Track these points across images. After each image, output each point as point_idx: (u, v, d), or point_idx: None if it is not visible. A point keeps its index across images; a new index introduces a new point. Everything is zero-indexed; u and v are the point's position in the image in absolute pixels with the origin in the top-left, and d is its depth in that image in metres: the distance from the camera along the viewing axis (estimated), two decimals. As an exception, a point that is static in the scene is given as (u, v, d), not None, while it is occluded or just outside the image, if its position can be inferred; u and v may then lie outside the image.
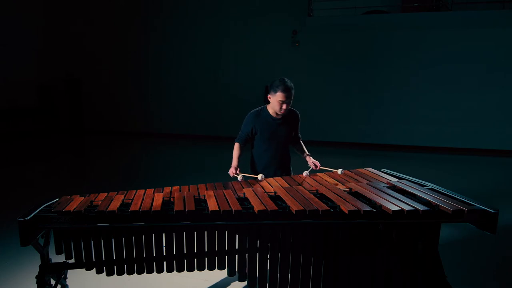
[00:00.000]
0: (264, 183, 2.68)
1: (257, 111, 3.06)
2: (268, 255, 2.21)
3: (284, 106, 2.89)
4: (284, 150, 3.10)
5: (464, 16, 8.81)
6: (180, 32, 10.96)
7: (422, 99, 9.29)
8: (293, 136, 3.17)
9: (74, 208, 2.16)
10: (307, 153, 3.20)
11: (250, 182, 2.73)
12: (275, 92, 2.88)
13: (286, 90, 2.86)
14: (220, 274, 2.96)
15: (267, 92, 2.98)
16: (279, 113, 2.94)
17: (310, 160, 3.11)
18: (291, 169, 3.20)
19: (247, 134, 3.06)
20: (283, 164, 3.11)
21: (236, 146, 3.08)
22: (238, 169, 2.91)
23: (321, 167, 3.05)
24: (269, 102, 2.99)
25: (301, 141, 3.26)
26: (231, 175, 2.90)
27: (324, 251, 2.18)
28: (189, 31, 10.88)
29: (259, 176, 2.75)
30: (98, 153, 9.67)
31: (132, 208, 2.17)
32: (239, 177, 2.73)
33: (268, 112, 3.01)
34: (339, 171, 2.88)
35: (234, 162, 2.99)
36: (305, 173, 2.90)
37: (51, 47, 11.77)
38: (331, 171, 2.95)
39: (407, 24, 9.19)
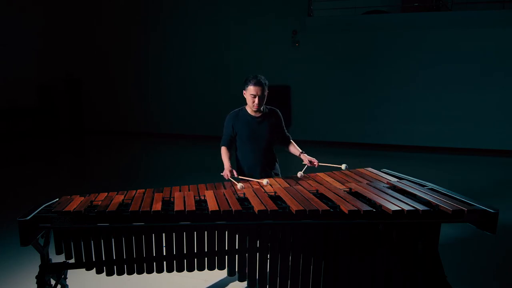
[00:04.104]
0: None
1: (236, 112, 3.06)
2: (268, 255, 2.21)
3: (256, 101, 2.87)
4: (268, 149, 3.04)
5: (464, 16, 8.81)
6: (180, 32, 10.96)
7: (422, 99, 9.28)
8: (281, 136, 3.12)
9: (74, 208, 2.16)
10: (301, 151, 3.07)
11: (250, 182, 2.72)
12: (247, 86, 2.90)
13: (257, 84, 2.86)
14: (220, 274, 2.96)
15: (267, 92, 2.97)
16: (252, 108, 2.93)
17: (306, 158, 2.99)
18: (278, 167, 3.14)
19: (229, 136, 3.04)
20: (268, 163, 3.06)
21: (223, 149, 3.04)
22: (235, 171, 2.85)
23: (320, 164, 2.94)
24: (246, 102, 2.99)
25: (291, 140, 3.17)
26: (226, 177, 2.85)
27: (324, 251, 2.18)
28: (189, 31, 10.88)
29: (264, 181, 2.63)
30: (98, 153, 9.67)
31: (132, 208, 2.17)
32: (239, 186, 2.60)
33: (247, 111, 3.01)
34: (343, 166, 2.75)
35: (226, 164, 2.93)
36: (299, 174, 2.81)
37: (51, 47, 11.77)
38: (333, 167, 2.86)
39: (407, 24, 9.18)
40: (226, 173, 2.87)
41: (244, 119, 3.00)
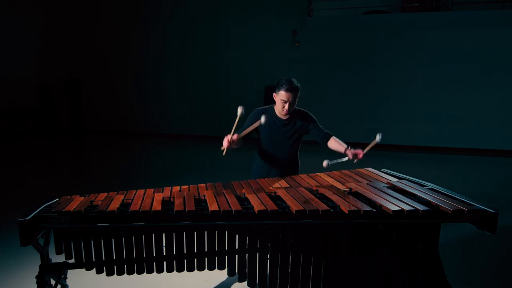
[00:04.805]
0: (264, 183, 2.68)
1: (264, 109, 2.99)
2: (268, 255, 2.21)
3: (286, 106, 2.82)
4: (291, 152, 3.00)
5: (464, 16, 8.81)
6: (180, 32, 10.96)
7: (422, 99, 9.29)
8: (317, 135, 2.99)
9: (74, 208, 2.16)
10: (346, 146, 2.86)
11: (250, 182, 2.72)
12: (279, 90, 2.82)
13: (290, 90, 2.78)
14: (220, 274, 2.96)
15: (267, 92, 2.93)
16: (282, 113, 2.89)
17: (350, 152, 2.81)
18: (299, 174, 3.10)
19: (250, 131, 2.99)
20: (288, 167, 3.01)
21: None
22: (236, 135, 2.66)
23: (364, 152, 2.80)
24: (274, 102, 2.95)
25: (333, 137, 2.98)
26: (226, 144, 2.65)
27: (324, 251, 2.18)
28: (189, 31, 10.89)
29: (239, 109, 2.53)
30: (98, 153, 9.67)
31: (132, 208, 2.16)
32: (239, 110, 2.51)
33: (275, 112, 2.95)
34: (378, 137, 2.69)
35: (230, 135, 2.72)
36: (325, 162, 2.66)
37: (51, 47, 11.78)
38: (372, 145, 2.80)
39: (407, 24, 9.19)
40: (227, 137, 2.66)
41: (270, 119, 2.93)
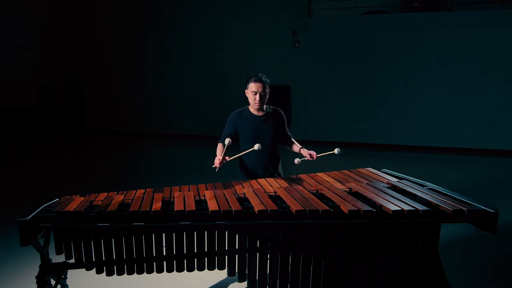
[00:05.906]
0: (264, 183, 2.68)
1: (239, 111, 3.05)
2: (268, 255, 2.21)
3: (257, 97, 2.88)
4: (272, 149, 3.02)
5: (464, 16, 8.81)
6: (180, 32, 10.96)
7: (422, 99, 9.29)
8: (282, 136, 3.11)
9: (74, 208, 2.16)
10: (300, 146, 3.08)
11: (250, 182, 2.72)
12: (248, 84, 2.92)
13: (258, 80, 2.88)
14: (220, 275, 2.96)
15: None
16: (254, 106, 2.93)
17: (305, 152, 2.98)
18: (281, 168, 3.13)
19: (229, 135, 3.01)
20: (272, 163, 3.04)
21: (219, 146, 2.98)
22: (227, 157, 2.81)
23: (317, 155, 2.91)
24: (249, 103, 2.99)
25: (292, 139, 3.18)
26: (218, 164, 2.76)
27: (324, 251, 2.18)
28: (189, 31, 10.89)
29: (256, 146, 2.70)
30: (98, 153, 9.67)
31: (132, 208, 2.17)
32: (226, 141, 2.72)
33: (250, 111, 3.00)
34: (336, 150, 2.88)
35: (218, 155, 2.86)
36: (296, 160, 2.87)
37: (51, 47, 11.78)
38: (328, 154, 2.92)
39: (407, 24, 9.19)
40: (217, 160, 2.78)
41: (247, 118, 2.99)
